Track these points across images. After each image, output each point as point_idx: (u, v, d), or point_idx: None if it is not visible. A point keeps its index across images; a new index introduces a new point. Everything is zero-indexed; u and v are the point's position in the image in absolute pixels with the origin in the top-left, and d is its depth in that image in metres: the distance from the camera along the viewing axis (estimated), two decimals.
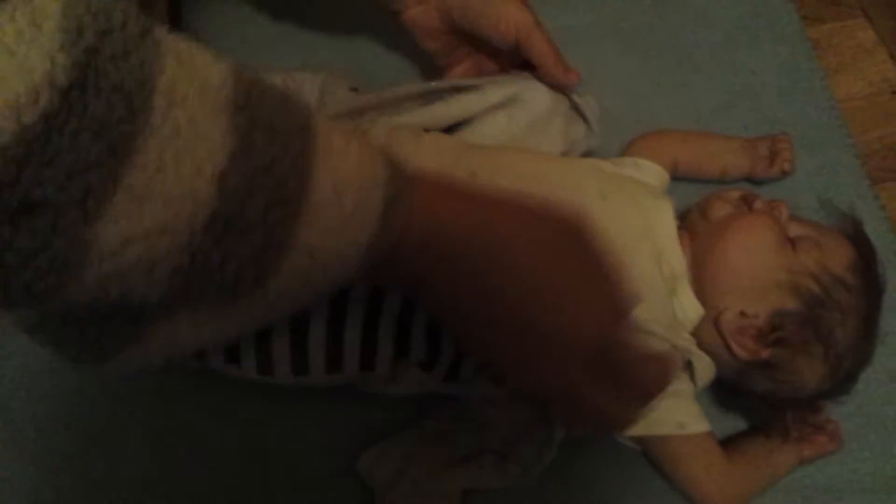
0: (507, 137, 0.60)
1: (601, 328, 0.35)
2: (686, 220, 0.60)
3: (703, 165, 0.66)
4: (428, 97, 0.62)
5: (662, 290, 0.54)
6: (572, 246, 0.35)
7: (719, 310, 0.55)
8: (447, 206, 0.35)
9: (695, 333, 0.56)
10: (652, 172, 0.63)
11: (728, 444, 0.59)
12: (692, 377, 0.56)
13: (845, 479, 0.60)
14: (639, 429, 0.53)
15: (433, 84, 0.63)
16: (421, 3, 0.62)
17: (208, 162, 0.29)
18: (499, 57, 0.65)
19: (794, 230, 0.56)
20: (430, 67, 0.70)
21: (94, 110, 0.26)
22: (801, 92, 0.75)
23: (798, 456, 0.58)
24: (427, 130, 0.60)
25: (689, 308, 0.55)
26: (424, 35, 0.64)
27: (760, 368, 0.55)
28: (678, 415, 0.54)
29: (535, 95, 0.61)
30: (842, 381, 0.56)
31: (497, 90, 0.61)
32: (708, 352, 0.56)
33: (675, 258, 0.56)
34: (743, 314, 0.54)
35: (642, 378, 0.38)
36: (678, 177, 0.66)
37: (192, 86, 0.29)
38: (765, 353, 0.54)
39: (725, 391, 0.61)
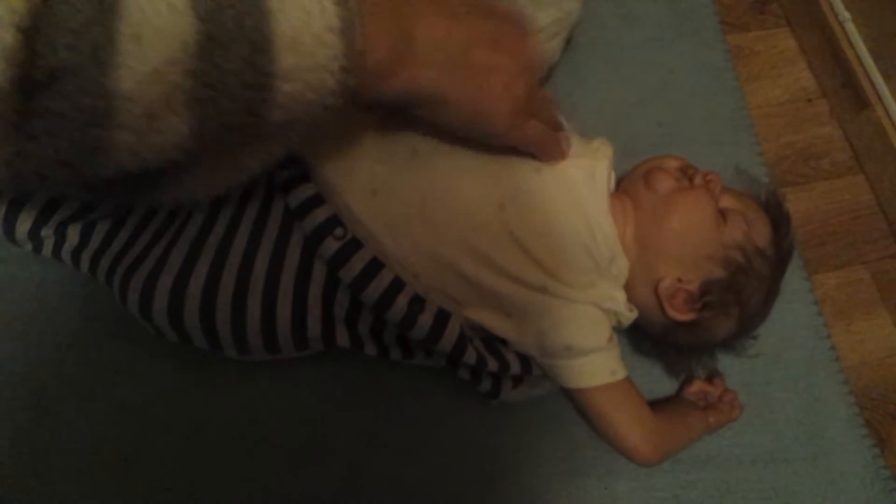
0: None
1: (525, 86, 0.49)
2: (627, 186, 0.64)
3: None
4: None
5: (595, 252, 0.58)
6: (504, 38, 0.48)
7: (660, 276, 0.61)
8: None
9: (628, 289, 0.62)
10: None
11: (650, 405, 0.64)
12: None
13: (724, 448, 0.66)
14: (581, 381, 0.60)
15: None
16: None
17: None
18: None
19: (725, 202, 0.63)
20: None
21: None
22: (714, 93, 0.80)
23: (705, 421, 0.65)
24: None
25: (623, 267, 0.61)
26: None
27: (685, 326, 0.62)
28: (610, 364, 0.60)
29: None
30: (743, 334, 0.65)
31: None
32: (639, 307, 0.62)
33: (608, 228, 0.59)
34: (679, 280, 0.61)
35: (551, 116, 0.55)
36: None
37: None
38: (693, 315, 0.61)
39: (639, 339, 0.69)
